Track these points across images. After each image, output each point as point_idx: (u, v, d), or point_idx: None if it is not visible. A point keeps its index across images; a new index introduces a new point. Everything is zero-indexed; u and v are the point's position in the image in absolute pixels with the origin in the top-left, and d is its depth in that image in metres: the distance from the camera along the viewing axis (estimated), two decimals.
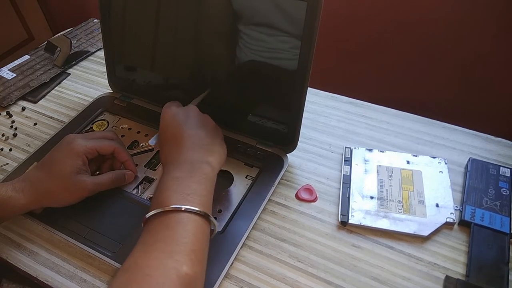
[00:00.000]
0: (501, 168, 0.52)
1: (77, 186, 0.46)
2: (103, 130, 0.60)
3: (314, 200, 0.51)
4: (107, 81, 0.66)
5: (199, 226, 0.38)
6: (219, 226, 0.47)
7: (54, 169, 0.46)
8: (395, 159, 0.54)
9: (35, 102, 0.68)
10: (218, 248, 0.45)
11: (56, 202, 0.46)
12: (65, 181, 0.45)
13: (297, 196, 0.52)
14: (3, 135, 0.62)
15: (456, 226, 0.48)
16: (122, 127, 0.60)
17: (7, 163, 0.57)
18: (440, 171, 0.52)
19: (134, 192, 0.51)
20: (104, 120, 0.62)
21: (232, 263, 0.44)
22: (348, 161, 0.55)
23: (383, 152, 0.55)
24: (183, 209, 0.37)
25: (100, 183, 0.48)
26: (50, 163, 0.47)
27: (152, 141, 0.50)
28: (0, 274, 0.58)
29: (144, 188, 0.52)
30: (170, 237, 0.36)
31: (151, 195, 0.50)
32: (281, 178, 0.53)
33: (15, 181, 0.45)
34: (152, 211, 0.38)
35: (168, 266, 0.33)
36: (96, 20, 0.87)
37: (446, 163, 0.53)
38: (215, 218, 0.48)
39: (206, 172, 0.42)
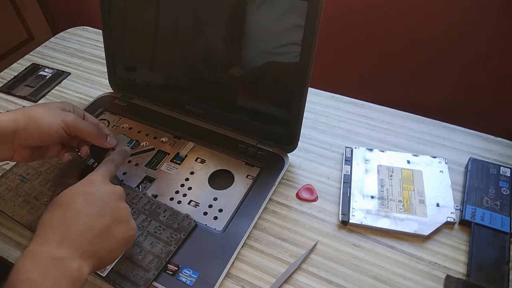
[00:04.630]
0: (501, 168, 0.52)
1: (60, 115, 0.44)
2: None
3: (314, 200, 0.51)
4: (107, 81, 0.66)
5: None
6: (220, 226, 0.47)
7: (48, 104, 0.46)
8: (396, 159, 0.54)
9: (35, 102, 0.68)
10: (219, 248, 0.45)
11: (39, 124, 0.43)
12: (52, 109, 0.45)
13: (297, 196, 0.52)
14: None
15: (456, 225, 0.48)
16: (122, 127, 0.60)
17: (8, 162, 0.57)
18: (440, 171, 0.52)
19: None
20: (104, 119, 0.62)
21: (233, 263, 0.44)
22: (348, 160, 0.55)
23: (383, 151, 0.55)
24: None
25: (80, 121, 0.46)
26: (43, 104, 0.48)
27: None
28: (1, 276, 0.58)
29: (144, 187, 0.52)
30: None
31: (151, 194, 0.50)
32: (282, 178, 0.53)
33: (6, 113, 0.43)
34: None
35: None
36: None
37: (446, 163, 0.53)
38: (216, 217, 0.48)
39: (77, 279, 0.33)
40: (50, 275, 0.31)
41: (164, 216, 0.47)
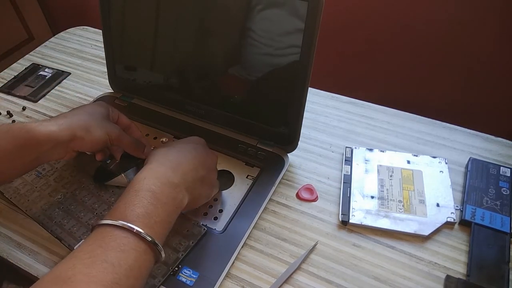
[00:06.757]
0: (501, 168, 0.52)
1: (107, 128, 0.48)
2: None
3: (314, 200, 0.51)
4: (107, 81, 0.66)
5: (151, 261, 0.35)
6: (220, 226, 0.47)
7: (92, 110, 0.49)
8: (396, 159, 0.54)
9: (35, 102, 0.68)
10: (219, 248, 0.45)
11: (92, 136, 0.46)
12: (99, 120, 0.48)
13: (297, 196, 0.52)
14: None
15: (456, 225, 0.48)
16: None
17: None
18: (440, 171, 0.52)
19: None
20: None
21: (233, 263, 0.44)
22: (348, 160, 0.55)
23: (383, 151, 0.55)
24: (149, 239, 0.34)
25: (123, 135, 0.49)
26: (87, 107, 0.50)
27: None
28: (1, 276, 0.58)
29: None
30: (121, 263, 0.32)
31: None
32: (282, 178, 0.53)
33: (53, 118, 0.46)
34: (113, 221, 0.34)
35: None
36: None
37: (446, 163, 0.53)
38: (216, 218, 0.48)
39: (179, 206, 0.39)
40: (165, 193, 0.38)
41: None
